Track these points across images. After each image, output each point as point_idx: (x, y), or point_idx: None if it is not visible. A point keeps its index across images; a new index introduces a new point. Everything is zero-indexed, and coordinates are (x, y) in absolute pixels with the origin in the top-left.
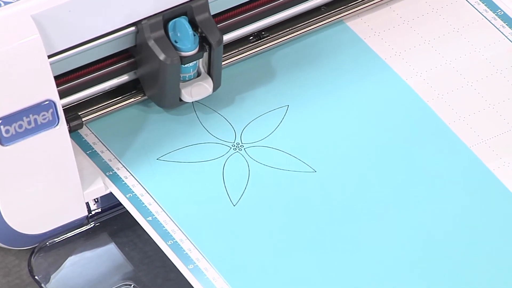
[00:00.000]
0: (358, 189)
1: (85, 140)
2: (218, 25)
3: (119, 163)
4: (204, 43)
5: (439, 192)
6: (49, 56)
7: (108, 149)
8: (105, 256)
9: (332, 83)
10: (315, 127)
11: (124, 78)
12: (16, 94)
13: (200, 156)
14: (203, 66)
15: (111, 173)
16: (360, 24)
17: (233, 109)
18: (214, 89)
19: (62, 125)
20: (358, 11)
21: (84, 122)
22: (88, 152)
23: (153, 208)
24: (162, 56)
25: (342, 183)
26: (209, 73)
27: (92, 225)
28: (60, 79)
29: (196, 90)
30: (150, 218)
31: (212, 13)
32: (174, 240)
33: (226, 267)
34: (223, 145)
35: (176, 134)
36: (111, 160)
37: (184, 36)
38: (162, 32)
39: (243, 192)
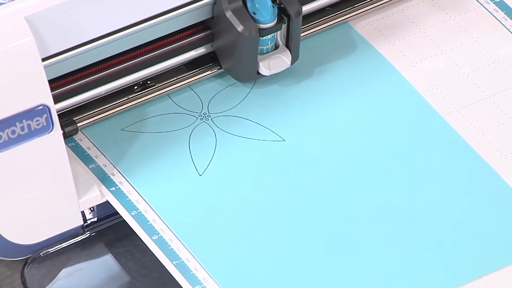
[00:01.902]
0: (328, 157)
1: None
2: None
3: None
4: (282, 14)
5: (418, 170)
6: (44, 59)
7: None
8: (101, 267)
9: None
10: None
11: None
12: (8, 99)
13: (165, 126)
14: (281, 39)
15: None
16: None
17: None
18: (293, 62)
19: (57, 131)
20: (364, 12)
21: (79, 128)
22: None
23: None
24: (240, 28)
25: (311, 151)
26: (287, 45)
27: (87, 235)
28: (54, 83)
29: (274, 63)
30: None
31: None
32: (138, 211)
33: (190, 237)
34: (189, 115)
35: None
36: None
37: (263, 8)
38: (240, 3)
39: (209, 162)
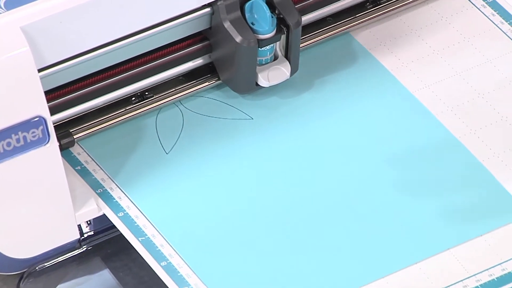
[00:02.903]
0: (300, 133)
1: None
2: (296, 6)
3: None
4: (281, 25)
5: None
6: (40, 70)
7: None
8: (98, 281)
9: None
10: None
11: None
12: (4, 110)
13: None
14: (280, 49)
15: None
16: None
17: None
18: (292, 73)
19: (53, 143)
20: (365, 22)
21: (75, 140)
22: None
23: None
24: (238, 39)
25: (280, 129)
26: (286, 56)
27: (84, 249)
28: (51, 94)
29: (273, 74)
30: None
31: None
32: (103, 188)
33: (156, 213)
34: None
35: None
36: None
37: (262, 18)
38: (238, 13)
39: (176, 140)
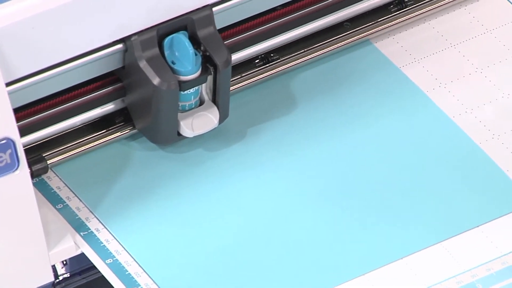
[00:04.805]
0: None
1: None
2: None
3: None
4: (208, 64)
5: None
6: (8, 84)
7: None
8: None
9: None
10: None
11: (109, 107)
12: None
13: None
14: (206, 93)
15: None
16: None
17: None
18: (221, 120)
19: (23, 170)
20: (388, 28)
21: (49, 166)
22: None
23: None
24: (156, 81)
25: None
26: (214, 100)
27: None
28: (20, 112)
29: (199, 122)
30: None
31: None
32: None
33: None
34: None
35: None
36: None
37: (184, 56)
38: (156, 50)
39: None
